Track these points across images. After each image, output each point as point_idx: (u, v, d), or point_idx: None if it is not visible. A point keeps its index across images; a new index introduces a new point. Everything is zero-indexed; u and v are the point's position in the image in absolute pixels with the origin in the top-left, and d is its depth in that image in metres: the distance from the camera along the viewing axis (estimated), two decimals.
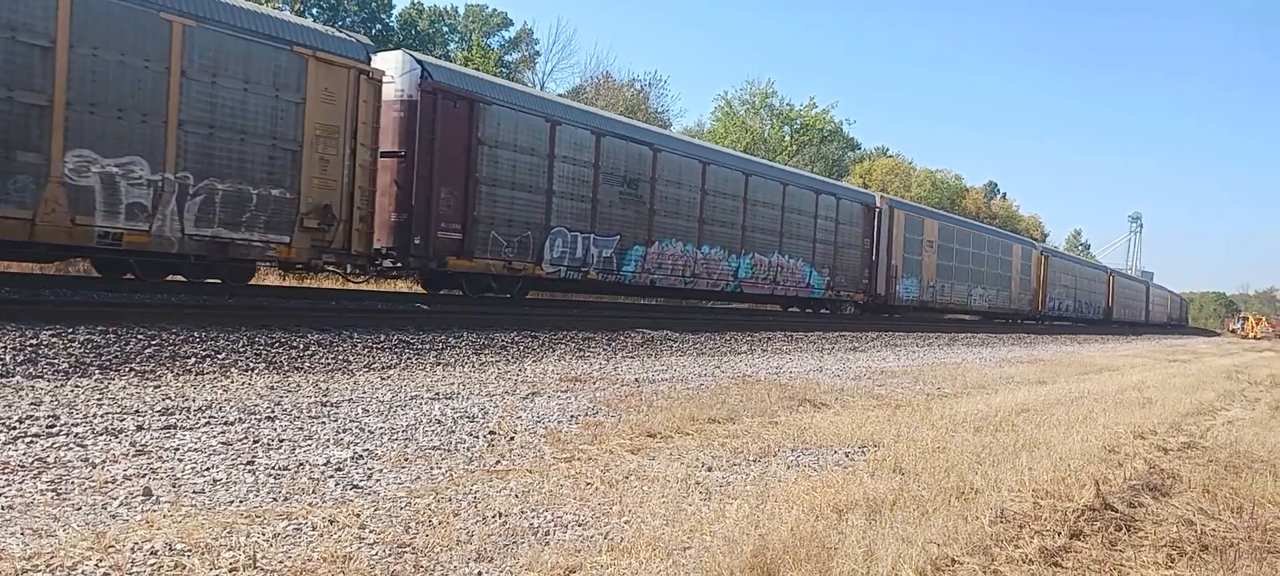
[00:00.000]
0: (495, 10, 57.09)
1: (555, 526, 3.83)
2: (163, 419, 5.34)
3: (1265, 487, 5.59)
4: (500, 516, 3.89)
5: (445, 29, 54.23)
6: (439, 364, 9.19)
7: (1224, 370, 19.01)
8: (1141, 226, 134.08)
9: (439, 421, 6.03)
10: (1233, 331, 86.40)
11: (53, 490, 3.78)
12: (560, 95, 30.74)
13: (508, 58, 51.45)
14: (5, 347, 7.01)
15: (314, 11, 42.83)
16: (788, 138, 53.89)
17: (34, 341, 7.26)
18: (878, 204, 27.96)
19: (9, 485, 3.80)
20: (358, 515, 3.74)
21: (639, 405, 7.28)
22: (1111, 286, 55.18)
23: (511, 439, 5.62)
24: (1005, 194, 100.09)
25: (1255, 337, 73.25)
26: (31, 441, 4.57)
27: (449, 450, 5.21)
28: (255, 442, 4.96)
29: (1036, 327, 37.77)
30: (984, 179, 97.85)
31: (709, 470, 5.11)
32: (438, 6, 54.89)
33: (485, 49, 45.08)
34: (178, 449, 4.66)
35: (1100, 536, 4.25)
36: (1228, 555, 4.11)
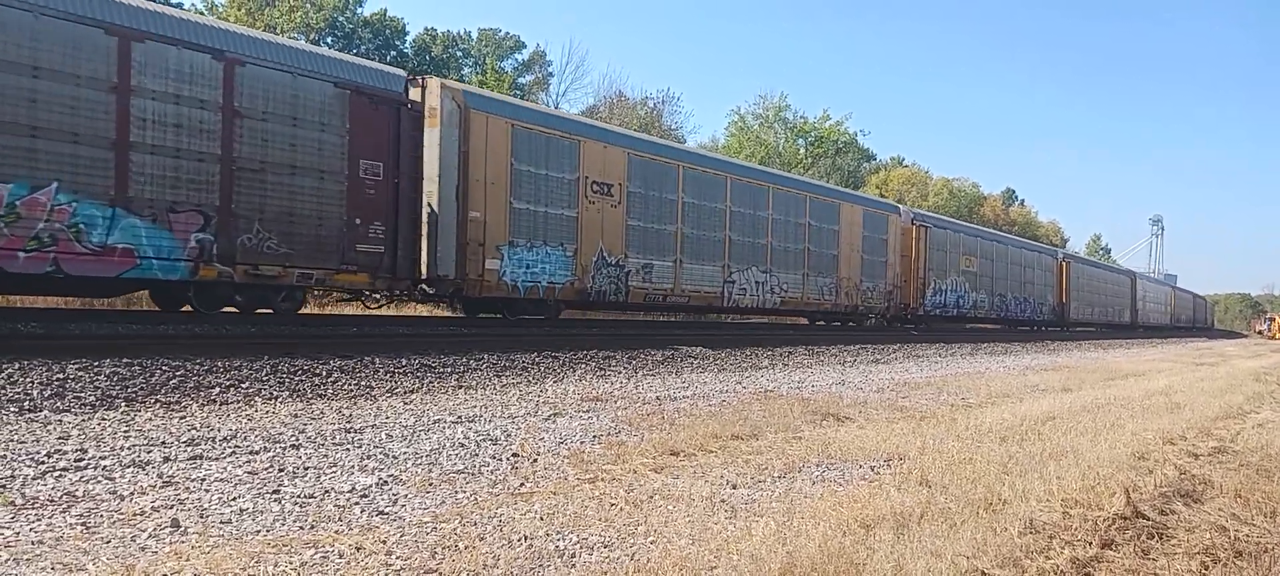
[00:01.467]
0: (508, 33, 57.47)
1: (581, 548, 3.82)
2: (189, 449, 5.37)
3: None
4: (526, 539, 3.88)
5: (459, 54, 54.60)
6: (460, 387, 9.21)
7: (1252, 372, 18.77)
8: (1163, 229, 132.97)
9: (462, 445, 6.03)
10: (1259, 332, 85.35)
11: (82, 523, 3.80)
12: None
13: (521, 80, 51.77)
14: (33, 382, 7.09)
15: (329, 40, 43.22)
16: (802, 150, 53.83)
17: (61, 375, 7.34)
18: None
19: (39, 519, 3.83)
20: (384, 541, 3.74)
21: (661, 423, 7.26)
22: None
23: (535, 461, 5.61)
24: (1023, 200, 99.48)
25: None
26: (60, 475, 4.61)
27: (473, 474, 5.21)
28: (280, 471, 4.98)
29: (1061, 335, 37.47)
30: (1001, 186, 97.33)
31: (734, 487, 5.09)
32: (451, 32, 55.29)
33: (500, 72, 45.33)
34: (204, 479, 4.69)
35: (1132, 545, 4.20)
36: (1263, 560, 4.04)
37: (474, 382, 9.55)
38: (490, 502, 4.52)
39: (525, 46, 57.64)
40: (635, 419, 7.46)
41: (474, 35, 56.80)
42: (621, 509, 4.49)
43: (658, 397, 9.09)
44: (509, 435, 6.50)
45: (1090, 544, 4.10)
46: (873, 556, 3.67)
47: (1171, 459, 6.54)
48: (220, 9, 36.21)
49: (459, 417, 7.19)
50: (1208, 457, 6.84)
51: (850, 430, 7.49)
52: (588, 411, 7.83)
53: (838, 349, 18.04)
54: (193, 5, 35.18)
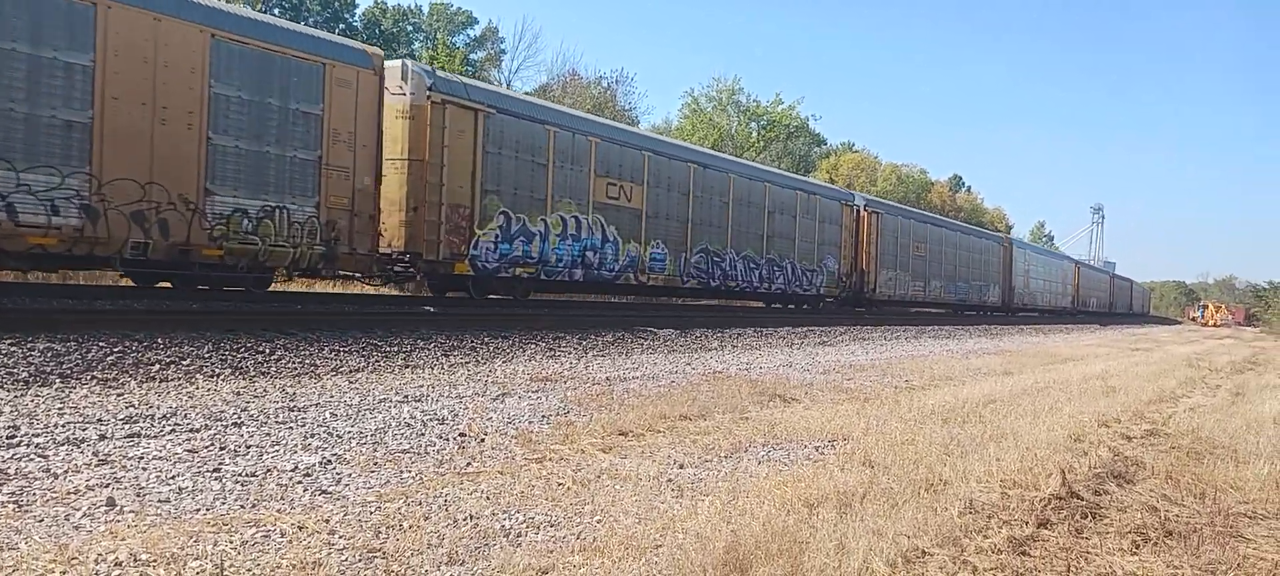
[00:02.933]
0: (460, 8, 56.87)
1: (527, 527, 3.82)
2: (126, 427, 5.25)
3: (1227, 473, 5.70)
4: (471, 519, 3.87)
5: (409, 28, 53.88)
6: (407, 366, 9.12)
7: (1185, 358, 19.34)
8: (1103, 217, 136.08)
9: (408, 424, 5.98)
10: (1193, 319, 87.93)
11: (14, 502, 3.70)
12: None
13: (473, 56, 51.24)
14: None
15: (276, 10, 42.31)
16: (754, 134, 54.08)
17: None
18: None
19: None
20: (327, 520, 3.70)
21: (610, 404, 7.27)
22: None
23: (482, 440, 5.59)
24: (970, 187, 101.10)
25: (1215, 325, 74.63)
26: None
27: (419, 453, 5.17)
28: (222, 449, 4.89)
29: (1005, 319, 38.30)
30: (948, 172, 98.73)
31: (681, 467, 5.12)
32: (401, 5, 54.51)
33: (451, 48, 44.80)
34: (142, 457, 4.59)
35: (1067, 525, 4.31)
36: (1191, 541, 4.18)
37: (421, 362, 9.46)
38: (436, 482, 4.50)
39: (477, 22, 57.11)
40: (584, 399, 7.46)
41: (425, 9, 56.08)
42: (569, 488, 4.49)
43: (608, 378, 9.11)
44: (456, 415, 6.46)
45: (1027, 523, 4.21)
46: (815, 535, 3.72)
47: (1106, 441, 6.73)
48: None
49: (405, 397, 7.13)
50: (1140, 440, 7.05)
51: (796, 411, 7.58)
52: (537, 391, 7.82)
53: (785, 331, 18.21)
54: None
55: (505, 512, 4.00)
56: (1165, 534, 4.26)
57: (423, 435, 5.67)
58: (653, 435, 6.06)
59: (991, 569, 3.59)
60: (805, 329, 19.42)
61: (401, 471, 4.71)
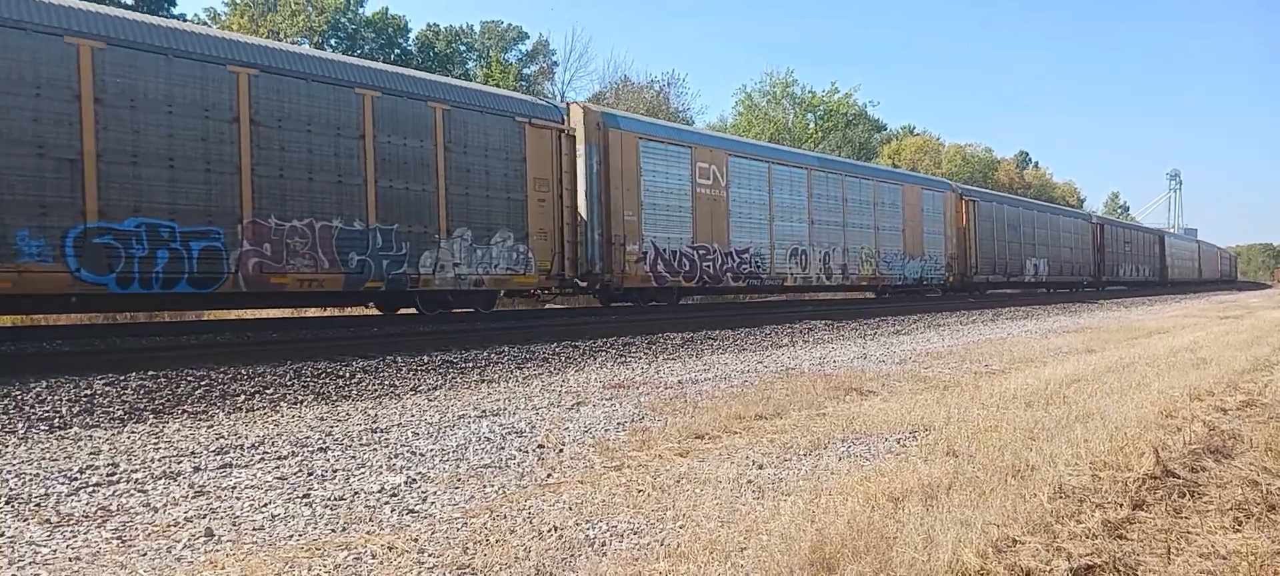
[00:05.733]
0: (510, 24, 57.45)
1: (611, 536, 3.84)
2: (218, 458, 5.42)
3: None
4: (556, 530, 3.90)
5: (462, 48, 54.61)
6: (483, 381, 9.25)
7: (1277, 322, 18.58)
8: (1181, 184, 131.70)
9: (488, 439, 6.06)
10: None
11: (118, 538, 3.85)
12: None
13: (526, 71, 51.73)
14: (62, 399, 7.17)
15: (331, 43, 43.30)
16: (812, 125, 53.55)
17: (88, 391, 7.42)
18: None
19: (76, 536, 3.88)
20: (416, 540, 3.77)
21: (684, 407, 7.27)
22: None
23: (561, 451, 5.64)
24: (1037, 163, 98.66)
25: None
26: (93, 490, 4.67)
27: (500, 467, 5.23)
28: (309, 474, 5.02)
29: (1083, 296, 37.70)
30: (1014, 149, 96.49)
31: (760, 468, 5.09)
32: (453, 27, 55.29)
33: (504, 64, 45.30)
34: (235, 487, 4.73)
35: (1164, 504, 4.17)
36: None
37: (496, 376, 9.58)
38: (518, 495, 4.55)
39: (528, 37, 57.63)
40: (658, 404, 7.47)
41: (476, 28, 56.79)
42: (649, 495, 4.50)
43: (679, 381, 9.10)
44: (533, 427, 6.52)
45: (1121, 505, 4.09)
46: (902, 529, 3.67)
47: (1200, 415, 6.50)
48: (223, 18, 36.30)
49: (483, 412, 7.22)
50: (1236, 411, 6.79)
51: (874, 404, 7.48)
52: (610, 399, 7.85)
53: (857, 322, 17.99)
54: (196, 16, 35.27)
55: (588, 522, 4.03)
56: (1268, 508, 4.10)
57: (502, 449, 5.74)
58: (729, 436, 6.04)
59: (1087, 554, 3.49)
60: (878, 319, 19.16)
61: (484, 486, 4.77)
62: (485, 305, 15.88)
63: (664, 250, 18.30)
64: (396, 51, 47.02)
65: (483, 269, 14.94)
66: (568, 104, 17.35)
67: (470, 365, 10.00)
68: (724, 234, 19.88)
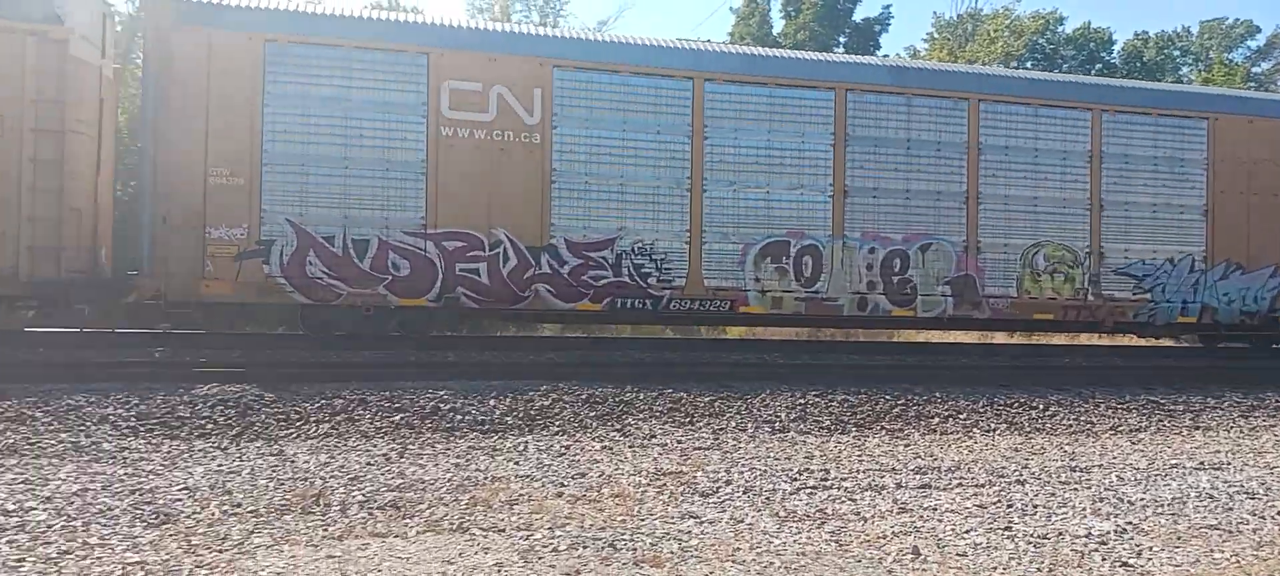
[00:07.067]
0: (1238, 20, 50.03)
1: None
2: (917, 477, 5.62)
3: None
4: None
5: (1176, 53, 49.19)
6: (1197, 427, 8.15)
7: None
8: None
9: (1210, 495, 5.30)
10: None
11: (835, 540, 4.20)
12: None
13: (1254, 70, 44.56)
14: (781, 406, 8.10)
15: (1028, 64, 42.41)
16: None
17: (801, 401, 8.26)
18: None
19: (800, 532, 4.34)
20: None
21: None
22: None
23: None
24: None
25: None
26: (811, 492, 5.18)
27: (1229, 531, 4.53)
28: (1009, 507, 4.92)
29: None
30: None
31: None
32: (1165, 32, 50.13)
33: (1228, 65, 39.60)
34: (935, 508, 4.84)
35: None
36: None
37: (1213, 423, 8.35)
38: (1256, 565, 3.86)
39: (1259, 31, 49.43)
40: None
41: (1194, 30, 50.58)
42: None
43: None
44: (1269, 489, 5.53)
45: None
46: None
47: None
48: (923, 53, 38.00)
49: (1201, 463, 6.35)
50: None
51: None
52: None
53: None
54: (900, 52, 37.46)
55: None
56: None
57: (1230, 509, 4.97)
58: None
59: None
60: None
61: (1211, 549, 4.17)
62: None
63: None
64: (1098, 66, 44.33)
65: None
66: None
67: (1180, 408, 8.84)
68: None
